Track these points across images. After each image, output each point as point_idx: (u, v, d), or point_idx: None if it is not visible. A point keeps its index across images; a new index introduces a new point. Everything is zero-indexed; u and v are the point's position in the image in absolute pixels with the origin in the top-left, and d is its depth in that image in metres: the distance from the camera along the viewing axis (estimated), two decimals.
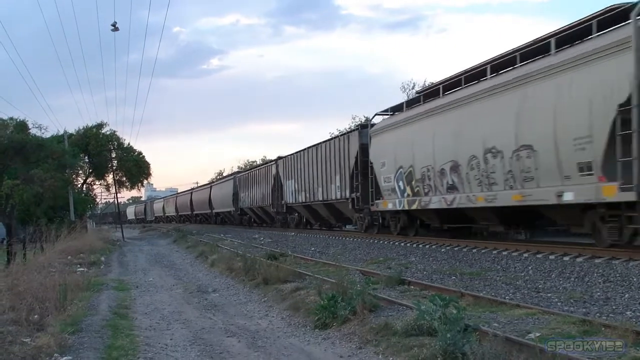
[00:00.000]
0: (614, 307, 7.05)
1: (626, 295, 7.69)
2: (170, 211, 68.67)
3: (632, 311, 6.80)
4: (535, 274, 10.04)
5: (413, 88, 37.46)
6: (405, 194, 17.36)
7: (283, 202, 30.11)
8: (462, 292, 8.26)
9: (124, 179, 41.22)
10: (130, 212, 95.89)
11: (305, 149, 26.89)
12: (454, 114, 14.71)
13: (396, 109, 19.23)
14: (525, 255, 11.81)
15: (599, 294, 7.96)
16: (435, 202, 15.68)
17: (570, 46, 11.52)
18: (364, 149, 20.24)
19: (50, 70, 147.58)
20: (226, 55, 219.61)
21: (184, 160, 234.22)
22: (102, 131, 38.88)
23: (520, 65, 12.67)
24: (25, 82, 71.67)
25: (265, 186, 33.59)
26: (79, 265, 15.55)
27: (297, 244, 20.33)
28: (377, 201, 19.35)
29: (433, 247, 15.14)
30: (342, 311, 7.31)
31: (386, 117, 19.93)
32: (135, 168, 40.07)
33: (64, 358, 6.04)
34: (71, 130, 38.21)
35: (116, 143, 39.93)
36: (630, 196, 9.47)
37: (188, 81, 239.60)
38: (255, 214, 37.65)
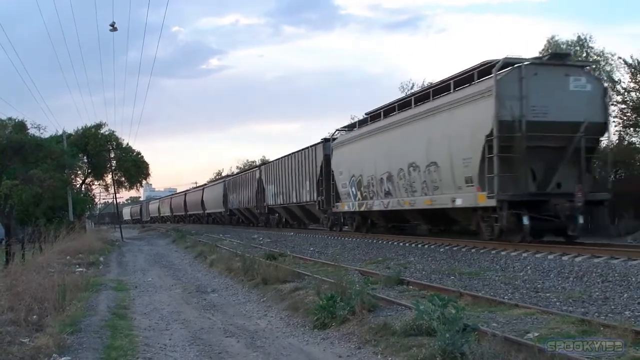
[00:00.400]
0: (612, 307, 7.06)
1: (625, 295, 7.70)
2: (165, 212, 70.34)
3: (630, 311, 6.81)
4: (534, 273, 10.05)
5: (412, 88, 37.36)
6: (357, 198, 20.74)
7: (265, 204, 33.26)
8: (460, 292, 8.26)
9: (123, 179, 41.19)
10: (126, 213, 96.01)
11: (283, 157, 30.02)
12: (389, 134, 18.10)
13: (351, 127, 23.11)
14: (524, 255, 11.83)
15: (597, 293, 7.97)
16: (377, 205, 19.10)
17: (460, 89, 14.86)
18: (327, 159, 23.41)
19: (49, 70, 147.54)
20: (226, 55, 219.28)
21: (183, 160, 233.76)
22: (101, 131, 38.85)
23: (432, 100, 16.01)
24: (24, 82, 71.45)
25: (250, 189, 36.72)
26: (77, 266, 15.53)
27: (296, 244, 20.35)
28: (337, 204, 22.65)
29: (432, 247, 15.17)
30: (341, 311, 7.30)
31: (345, 132, 23.77)
32: (134, 168, 40.10)
33: (63, 358, 6.03)
34: (70, 130, 38.21)
35: (115, 143, 39.88)
36: (492, 202, 12.77)
37: (188, 81, 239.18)
38: (242, 214, 40.77)
